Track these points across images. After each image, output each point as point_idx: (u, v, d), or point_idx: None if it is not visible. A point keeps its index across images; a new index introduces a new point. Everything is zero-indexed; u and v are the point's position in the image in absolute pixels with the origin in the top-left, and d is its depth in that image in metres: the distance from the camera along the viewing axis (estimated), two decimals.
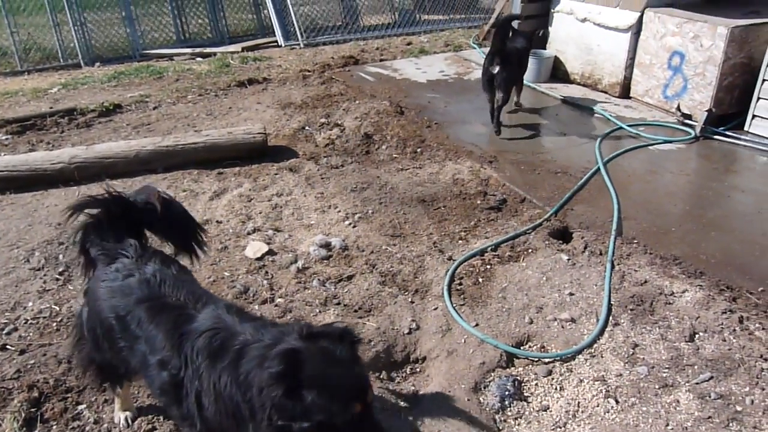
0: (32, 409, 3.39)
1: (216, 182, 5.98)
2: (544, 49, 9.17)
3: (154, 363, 2.55)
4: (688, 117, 7.38)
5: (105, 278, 2.84)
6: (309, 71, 9.74)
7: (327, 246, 4.86)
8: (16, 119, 7.46)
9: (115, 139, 6.93)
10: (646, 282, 4.44)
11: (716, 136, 7.07)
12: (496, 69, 6.84)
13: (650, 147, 6.89)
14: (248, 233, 5.09)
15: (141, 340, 2.62)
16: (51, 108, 7.93)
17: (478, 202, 5.62)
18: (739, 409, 3.43)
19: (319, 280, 4.48)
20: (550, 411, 3.52)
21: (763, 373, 3.64)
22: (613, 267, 4.60)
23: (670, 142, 7.01)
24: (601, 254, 4.76)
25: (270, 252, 4.82)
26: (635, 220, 5.30)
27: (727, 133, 7.06)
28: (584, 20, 8.61)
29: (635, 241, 4.96)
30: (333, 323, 2.44)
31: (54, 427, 3.33)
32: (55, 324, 4.12)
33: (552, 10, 9.14)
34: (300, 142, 6.95)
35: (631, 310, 4.18)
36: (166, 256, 3.07)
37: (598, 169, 6.19)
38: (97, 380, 3.24)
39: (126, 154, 6.16)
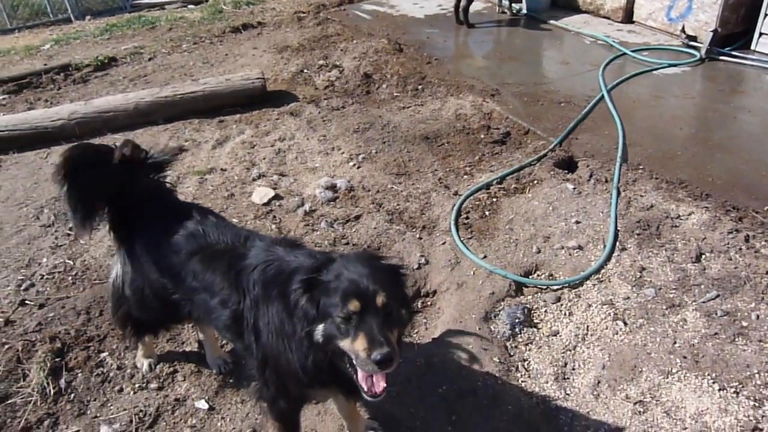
0: (56, 359, 3.50)
1: (217, 130, 5.95)
2: None
3: (216, 305, 2.65)
4: (693, 39, 7.21)
5: (148, 240, 2.87)
6: (304, 13, 9.51)
7: (332, 188, 4.87)
8: (12, 78, 7.38)
9: (113, 93, 6.86)
10: (652, 206, 4.45)
11: (722, 57, 6.92)
12: None
13: (654, 72, 6.77)
14: (254, 179, 5.10)
15: (200, 290, 2.70)
16: (45, 65, 7.81)
17: (482, 136, 5.58)
18: (744, 324, 3.49)
19: (326, 221, 4.52)
20: (560, 336, 3.61)
21: None
22: (618, 193, 4.60)
23: (675, 65, 6.87)
24: (606, 182, 4.75)
25: (276, 197, 4.84)
26: (640, 146, 5.27)
27: (733, 53, 6.92)
28: None
29: (641, 167, 4.94)
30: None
31: (79, 374, 3.44)
32: (70, 278, 4.19)
33: None
34: (299, 85, 6.86)
35: (638, 234, 4.21)
36: (200, 207, 3.07)
37: (602, 96, 6.11)
38: (134, 333, 3.32)
39: (125, 107, 6.11)
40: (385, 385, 2.21)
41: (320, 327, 2.21)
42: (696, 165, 4.98)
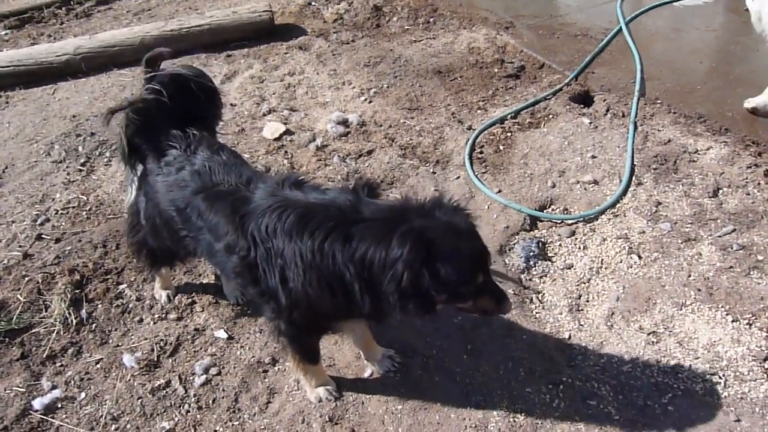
0: (76, 291, 3.56)
1: (225, 65, 5.84)
2: None
3: (220, 249, 2.60)
4: None
5: (159, 172, 2.84)
6: None
7: (344, 123, 4.81)
8: (13, 13, 7.18)
9: (117, 27, 6.70)
10: (669, 141, 4.38)
11: None
12: None
13: (675, 3, 6.53)
14: (264, 114, 5.03)
15: (204, 229, 2.67)
16: None
17: (496, 70, 5.46)
18: (760, 258, 3.49)
19: (339, 156, 4.48)
20: (575, 269, 3.62)
21: None
22: (636, 128, 4.52)
23: None
24: (623, 116, 4.67)
25: (287, 132, 4.79)
26: (659, 80, 5.15)
27: None
28: None
29: (659, 101, 4.84)
30: (440, 197, 2.42)
31: (99, 305, 3.50)
32: (84, 213, 4.21)
33: None
34: (307, 18, 6.68)
35: (654, 169, 4.16)
36: (213, 141, 3.00)
37: (620, 29, 5.92)
38: (149, 263, 3.34)
39: (131, 42, 5.98)
40: None
41: (443, 297, 2.29)
42: (716, 99, 4.87)
